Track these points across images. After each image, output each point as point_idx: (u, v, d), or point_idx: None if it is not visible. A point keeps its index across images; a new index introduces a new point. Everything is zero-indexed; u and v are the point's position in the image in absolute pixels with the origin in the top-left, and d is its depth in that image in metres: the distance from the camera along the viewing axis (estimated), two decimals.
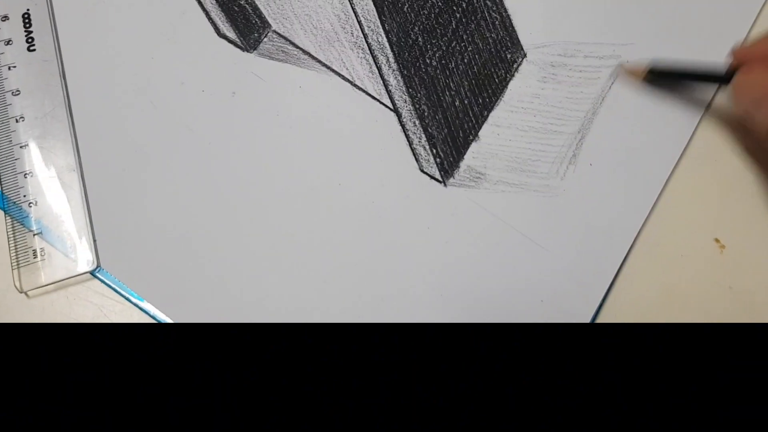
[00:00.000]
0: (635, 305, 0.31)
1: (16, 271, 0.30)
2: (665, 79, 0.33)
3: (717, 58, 0.33)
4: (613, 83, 0.33)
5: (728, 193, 0.32)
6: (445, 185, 0.32)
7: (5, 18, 0.34)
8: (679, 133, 0.33)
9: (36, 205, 0.31)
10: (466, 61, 0.34)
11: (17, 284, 0.30)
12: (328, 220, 0.32)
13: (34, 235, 0.31)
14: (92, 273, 0.31)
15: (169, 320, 0.31)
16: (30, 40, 0.34)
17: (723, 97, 0.33)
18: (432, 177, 0.32)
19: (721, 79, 0.30)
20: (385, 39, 0.33)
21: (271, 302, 0.31)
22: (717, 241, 0.32)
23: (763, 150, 0.30)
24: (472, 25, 0.34)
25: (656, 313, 0.31)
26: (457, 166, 0.33)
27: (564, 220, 0.32)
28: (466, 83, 0.33)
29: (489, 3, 0.34)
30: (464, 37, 0.34)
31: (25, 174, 0.32)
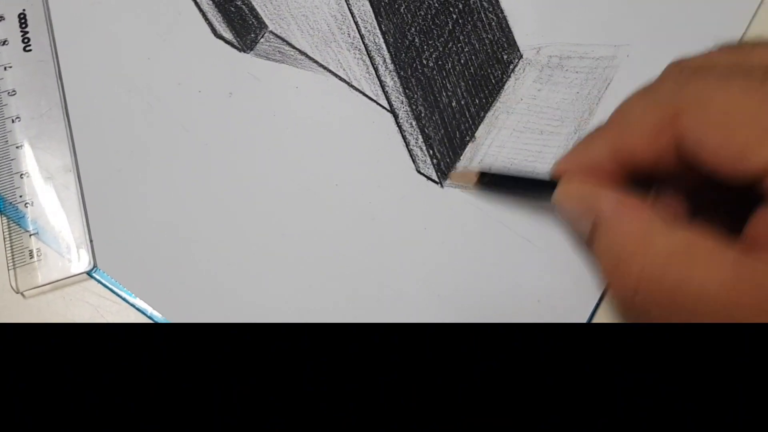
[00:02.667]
0: None
1: (12, 272, 0.30)
2: (497, 184, 0.31)
3: None
4: (609, 84, 0.33)
5: None
6: (441, 186, 0.32)
7: (1, 18, 0.34)
8: None
9: (32, 205, 0.31)
10: (462, 62, 0.34)
11: (13, 285, 0.30)
12: (324, 220, 0.32)
13: (30, 235, 0.31)
14: (89, 273, 0.31)
15: (166, 320, 0.31)
16: (26, 41, 0.34)
17: None
18: (428, 178, 0.32)
19: (546, 188, 0.28)
20: (381, 40, 0.33)
21: (267, 302, 0.31)
22: None
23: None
24: (469, 26, 0.34)
25: None
26: (454, 167, 0.33)
27: (560, 221, 0.32)
28: (463, 84, 0.33)
29: (485, 4, 0.34)
30: (461, 38, 0.34)
31: (21, 174, 0.32)
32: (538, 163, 0.32)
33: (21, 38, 0.34)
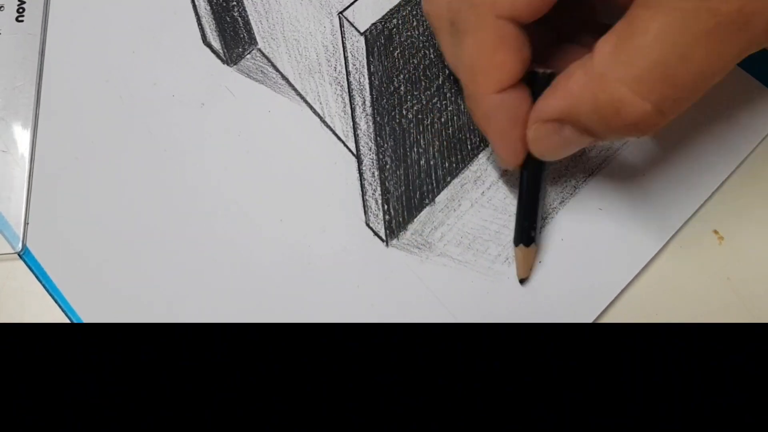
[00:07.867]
0: (633, 297, 0.30)
1: None
2: None
3: None
4: (590, 176, 0.31)
5: (727, 185, 0.32)
6: (386, 245, 0.31)
7: None
8: None
9: None
10: (443, 120, 0.32)
11: None
12: (260, 253, 0.31)
13: None
14: (19, 254, 0.31)
15: (79, 318, 0.30)
16: (21, 11, 0.34)
17: None
18: (376, 233, 0.31)
19: None
20: (366, 80, 0.32)
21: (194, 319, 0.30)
22: (716, 232, 0.31)
23: None
24: (458, 85, 0.32)
25: (654, 305, 0.30)
26: (404, 228, 0.31)
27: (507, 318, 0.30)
28: (437, 144, 0.32)
29: None
30: (447, 95, 0.32)
31: None
32: (493, 243, 0.31)
33: (16, 7, 0.34)
